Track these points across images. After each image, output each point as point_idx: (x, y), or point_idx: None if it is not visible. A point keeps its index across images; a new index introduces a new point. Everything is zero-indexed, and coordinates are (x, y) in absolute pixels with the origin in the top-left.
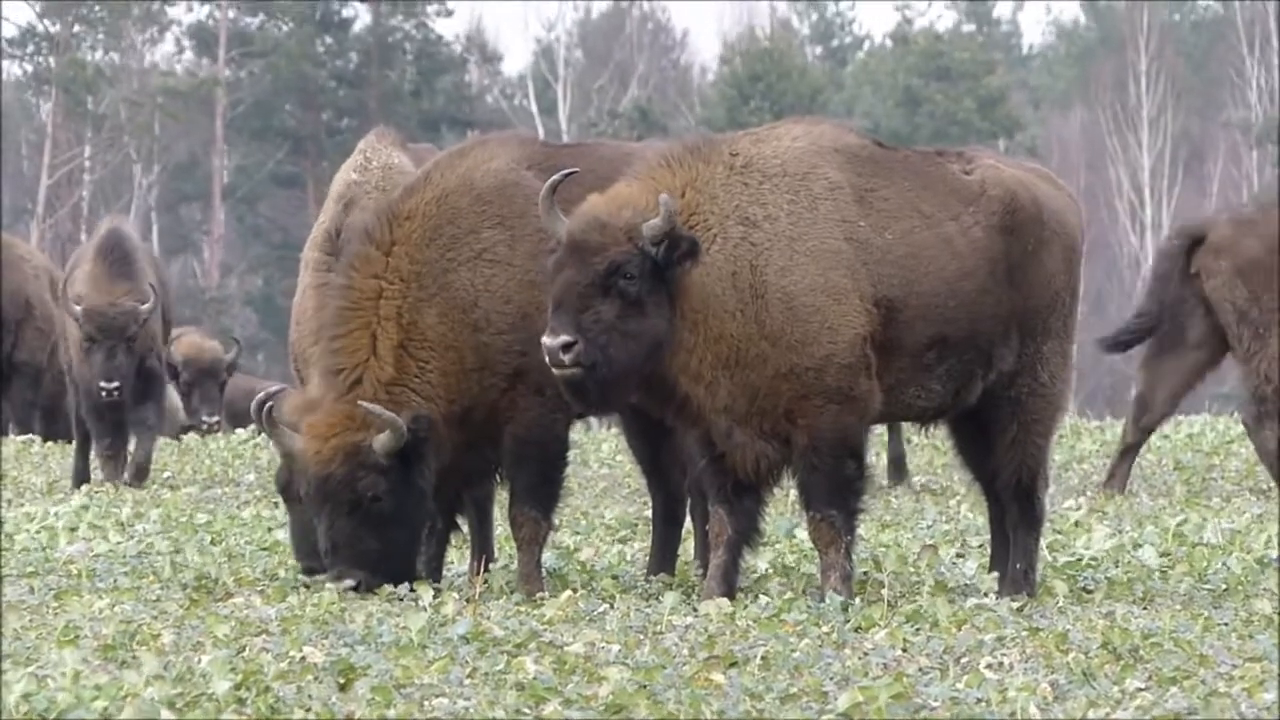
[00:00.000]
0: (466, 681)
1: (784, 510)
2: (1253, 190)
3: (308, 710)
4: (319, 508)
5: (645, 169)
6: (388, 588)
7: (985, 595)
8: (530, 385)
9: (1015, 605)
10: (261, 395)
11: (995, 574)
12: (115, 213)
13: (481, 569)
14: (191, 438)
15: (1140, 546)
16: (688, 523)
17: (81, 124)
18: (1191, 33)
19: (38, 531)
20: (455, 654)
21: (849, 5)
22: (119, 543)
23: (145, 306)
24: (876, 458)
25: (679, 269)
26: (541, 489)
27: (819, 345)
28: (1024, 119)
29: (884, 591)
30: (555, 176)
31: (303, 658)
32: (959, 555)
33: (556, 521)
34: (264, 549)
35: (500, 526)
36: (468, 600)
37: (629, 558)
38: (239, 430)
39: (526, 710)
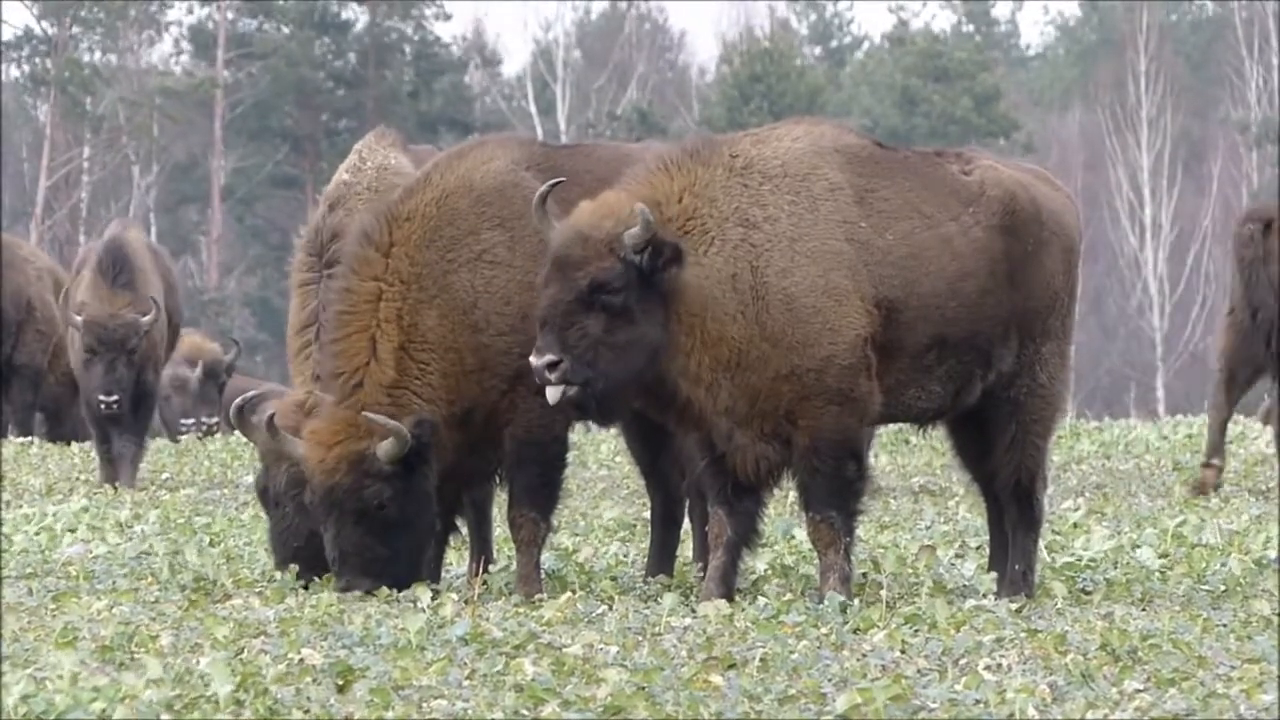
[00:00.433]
0: (465, 683)
1: (782, 511)
2: (1252, 190)
3: (306, 712)
4: (325, 517)
5: (644, 173)
6: (385, 589)
7: (984, 596)
8: (530, 387)
9: (1014, 606)
10: (239, 400)
11: (994, 575)
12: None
13: (480, 570)
14: (190, 439)
15: (1139, 547)
16: (686, 524)
17: (80, 125)
18: (1190, 33)
19: (36, 533)
20: (454, 655)
21: (847, 6)
22: (118, 544)
23: (146, 319)
24: (874, 459)
25: (665, 275)
26: (540, 490)
27: (820, 346)
28: (1020, 118)
29: (883, 593)
30: (544, 186)
31: (301, 659)
32: (957, 556)
33: (555, 523)
34: (263, 551)
35: (499, 528)
36: (466, 602)
37: (627, 559)
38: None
39: (525, 711)
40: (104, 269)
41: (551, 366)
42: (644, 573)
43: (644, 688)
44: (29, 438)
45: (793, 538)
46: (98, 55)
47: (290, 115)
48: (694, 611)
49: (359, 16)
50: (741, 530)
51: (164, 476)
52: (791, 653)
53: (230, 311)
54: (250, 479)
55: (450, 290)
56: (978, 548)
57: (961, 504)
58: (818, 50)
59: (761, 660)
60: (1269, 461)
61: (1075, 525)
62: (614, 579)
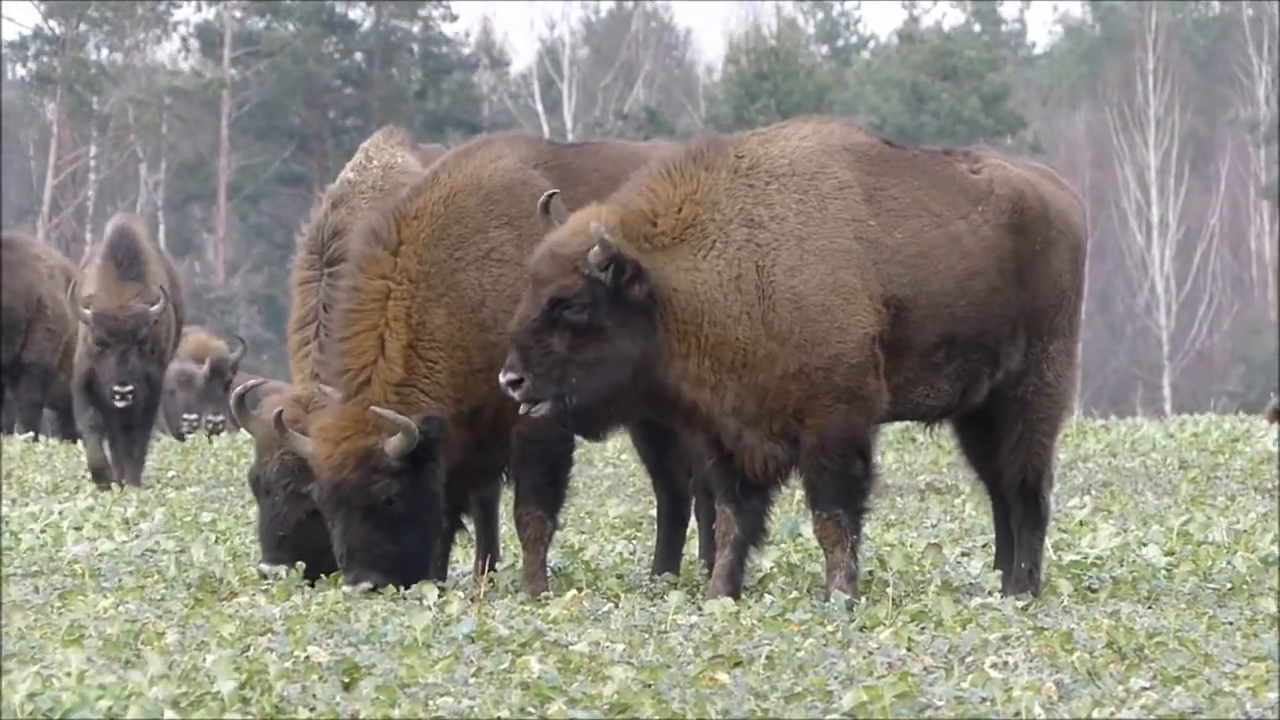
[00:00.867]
0: (471, 681)
1: (788, 510)
2: (1260, 188)
3: (312, 710)
4: (333, 513)
5: (645, 180)
6: (392, 587)
7: (990, 594)
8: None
9: (1020, 604)
10: (239, 390)
11: (1000, 573)
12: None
13: (487, 568)
14: (196, 437)
15: (1145, 545)
16: (692, 522)
17: (86, 124)
18: (1197, 32)
19: (42, 531)
20: (460, 653)
21: (854, 4)
22: (124, 542)
23: (155, 308)
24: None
25: (630, 292)
26: (547, 488)
27: (828, 345)
28: (1028, 116)
29: (889, 590)
30: (542, 197)
31: (307, 657)
32: (964, 554)
33: (562, 521)
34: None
35: (505, 526)
36: (473, 599)
37: (634, 557)
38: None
39: (531, 709)
40: (115, 258)
41: (514, 384)
42: (650, 570)
43: (650, 685)
44: (35, 435)
45: (799, 536)
46: (104, 54)
47: (298, 114)
48: (700, 609)
49: (366, 16)
50: (749, 529)
51: (170, 474)
52: (798, 650)
53: (236, 309)
54: None
55: (458, 288)
56: (984, 546)
57: (968, 502)
58: (825, 49)
59: (768, 658)
60: (1275, 460)
61: (1082, 523)
62: (620, 577)
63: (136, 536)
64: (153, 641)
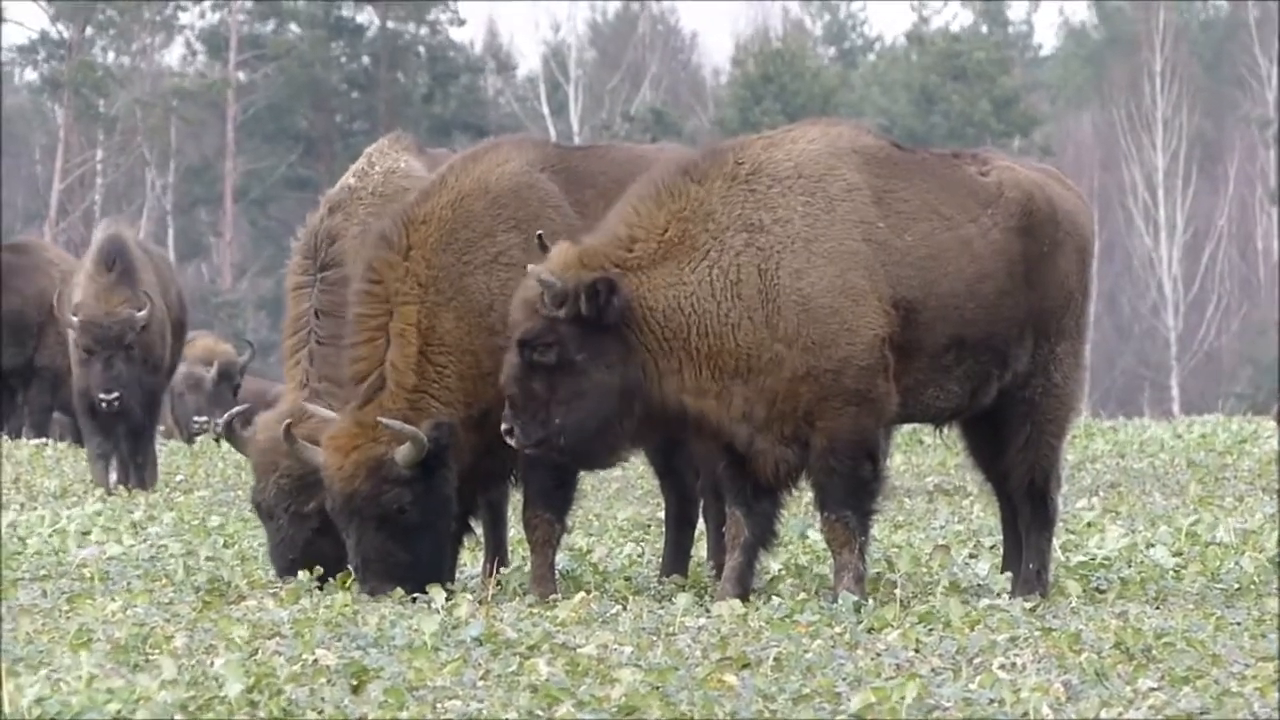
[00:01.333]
0: (479, 683)
1: (796, 511)
2: (1268, 189)
3: (320, 713)
4: (346, 523)
5: (632, 202)
6: (399, 590)
7: (998, 596)
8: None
9: (1028, 605)
10: (228, 415)
11: (1008, 574)
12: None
13: (495, 571)
14: (204, 441)
15: (1153, 546)
16: (701, 524)
17: (93, 127)
18: (1203, 32)
19: (50, 535)
20: (468, 656)
21: (861, 6)
22: (132, 546)
23: (141, 314)
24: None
25: (609, 314)
26: (555, 491)
27: (837, 347)
28: (1039, 118)
29: (897, 592)
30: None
31: (315, 660)
32: (972, 556)
33: (570, 523)
34: None
35: (514, 529)
36: (481, 602)
37: (642, 559)
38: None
39: (539, 712)
40: (103, 264)
41: (508, 433)
42: (658, 573)
43: (658, 688)
44: (43, 439)
45: (807, 538)
46: (111, 57)
47: (305, 117)
48: (708, 611)
49: (373, 20)
50: (759, 532)
51: (178, 478)
52: (806, 652)
53: (244, 313)
54: None
55: (466, 292)
56: (992, 547)
57: (976, 504)
58: (832, 51)
59: (776, 660)
60: None
61: (1090, 524)
62: (628, 579)
63: (145, 540)
64: (161, 645)
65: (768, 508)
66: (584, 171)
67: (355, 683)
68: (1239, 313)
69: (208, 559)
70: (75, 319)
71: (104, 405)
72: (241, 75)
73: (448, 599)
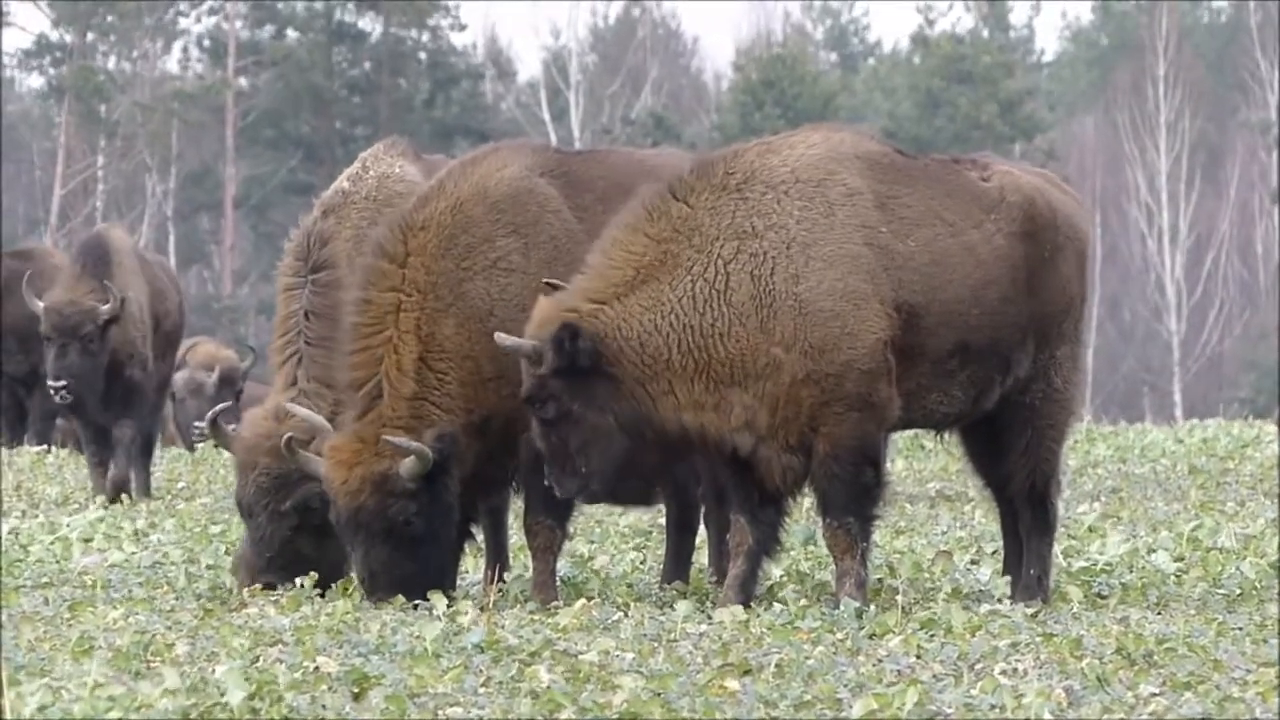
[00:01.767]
0: (481, 690)
1: (799, 518)
2: (1271, 193)
3: None
4: (351, 537)
5: (612, 231)
6: (401, 597)
7: (1000, 601)
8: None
9: (1030, 611)
10: (212, 412)
11: (1009, 580)
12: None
13: (496, 577)
14: (206, 448)
15: (1154, 551)
16: (702, 530)
17: (95, 132)
18: (1205, 36)
19: (52, 542)
20: (469, 663)
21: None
22: (133, 553)
23: (105, 307)
24: (892, 464)
25: (580, 359)
26: (556, 497)
27: (839, 351)
28: (1044, 123)
29: (899, 598)
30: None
31: (317, 667)
32: (973, 562)
33: (571, 530)
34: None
35: (515, 535)
36: (482, 609)
37: (643, 566)
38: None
39: (541, 718)
40: (80, 260)
41: (552, 489)
42: (660, 579)
43: (660, 694)
44: (44, 446)
45: (812, 544)
46: (112, 62)
47: (307, 122)
48: (710, 618)
49: (374, 25)
50: (763, 539)
51: (179, 485)
52: (807, 658)
53: (245, 319)
54: None
55: (466, 298)
56: (993, 553)
57: (977, 509)
58: (833, 56)
59: (777, 666)
60: None
61: (1091, 529)
62: (630, 586)
63: (146, 548)
64: (163, 653)
65: (772, 515)
66: (583, 176)
67: (356, 690)
68: (1241, 318)
69: (209, 566)
70: (40, 304)
71: (54, 394)
72: (243, 81)
73: (449, 606)
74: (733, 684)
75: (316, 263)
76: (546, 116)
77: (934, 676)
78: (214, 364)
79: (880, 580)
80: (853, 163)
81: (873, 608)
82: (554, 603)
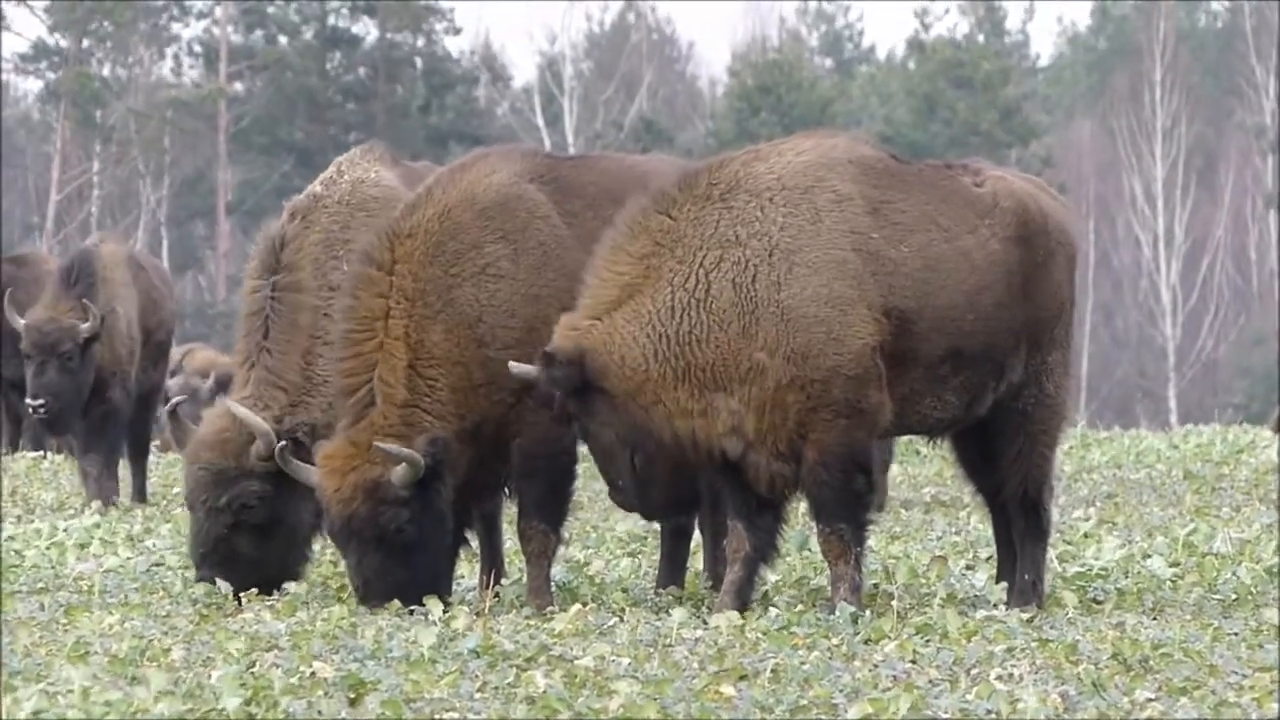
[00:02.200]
0: (477, 695)
1: (794, 524)
2: (1266, 197)
3: None
4: (344, 545)
5: (600, 253)
6: (397, 602)
7: (995, 607)
8: (537, 399)
9: (1025, 616)
10: (171, 402)
11: (1004, 585)
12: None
13: (491, 583)
14: None
15: (1150, 557)
16: (697, 536)
17: (90, 138)
18: (1201, 40)
19: (48, 548)
20: (465, 668)
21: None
22: (129, 558)
23: (85, 326)
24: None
25: (565, 383)
26: (550, 502)
27: (824, 356)
28: (1040, 128)
29: (894, 603)
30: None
31: (313, 673)
32: (968, 567)
33: (566, 535)
34: None
35: (509, 540)
36: (477, 614)
37: (639, 571)
38: None
39: None
40: (64, 275)
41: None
42: (655, 585)
43: (655, 699)
44: (39, 452)
45: (807, 550)
46: (107, 68)
47: (301, 128)
48: (705, 623)
49: (369, 31)
50: (760, 545)
51: (175, 490)
52: (803, 664)
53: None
54: None
55: (455, 305)
56: (989, 558)
57: (972, 515)
58: (829, 62)
59: (773, 671)
60: (1279, 471)
61: (1086, 535)
62: (625, 591)
63: (142, 553)
64: (158, 658)
65: (769, 522)
66: (573, 182)
67: (352, 695)
68: (1237, 323)
69: None
70: (21, 321)
71: (32, 413)
72: (238, 86)
73: (445, 611)
74: (728, 689)
75: (280, 264)
76: (541, 122)
77: (929, 682)
78: (210, 369)
79: (875, 585)
80: (845, 168)
81: (868, 613)
82: (549, 608)
